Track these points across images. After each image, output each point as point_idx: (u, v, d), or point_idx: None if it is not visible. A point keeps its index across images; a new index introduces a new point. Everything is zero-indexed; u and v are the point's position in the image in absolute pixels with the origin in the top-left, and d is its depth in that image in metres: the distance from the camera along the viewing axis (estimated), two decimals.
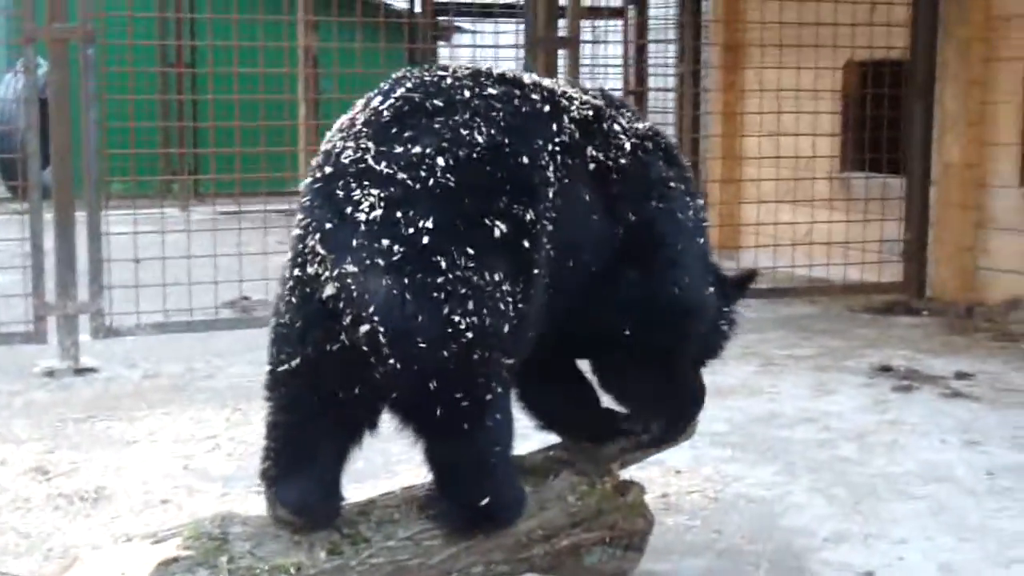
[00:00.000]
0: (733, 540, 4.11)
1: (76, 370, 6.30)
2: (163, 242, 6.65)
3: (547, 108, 3.25)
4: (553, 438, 3.82)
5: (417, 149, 2.98)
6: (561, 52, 7.89)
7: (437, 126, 3.02)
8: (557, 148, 3.19)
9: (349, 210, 2.92)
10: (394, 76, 3.23)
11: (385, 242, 2.89)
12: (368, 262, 2.87)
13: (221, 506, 4.26)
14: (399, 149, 2.98)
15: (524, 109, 3.19)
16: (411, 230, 2.90)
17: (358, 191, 2.93)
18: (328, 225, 2.92)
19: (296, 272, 3.00)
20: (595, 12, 12.43)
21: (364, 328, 2.88)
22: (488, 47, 14.10)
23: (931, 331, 7.53)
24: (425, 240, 2.90)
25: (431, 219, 2.91)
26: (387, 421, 5.54)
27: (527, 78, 3.31)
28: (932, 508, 4.50)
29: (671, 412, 3.81)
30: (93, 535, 4.12)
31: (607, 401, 3.75)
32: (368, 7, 8.57)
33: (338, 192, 2.95)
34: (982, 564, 3.99)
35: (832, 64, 8.57)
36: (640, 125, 3.53)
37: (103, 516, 4.31)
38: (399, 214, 2.91)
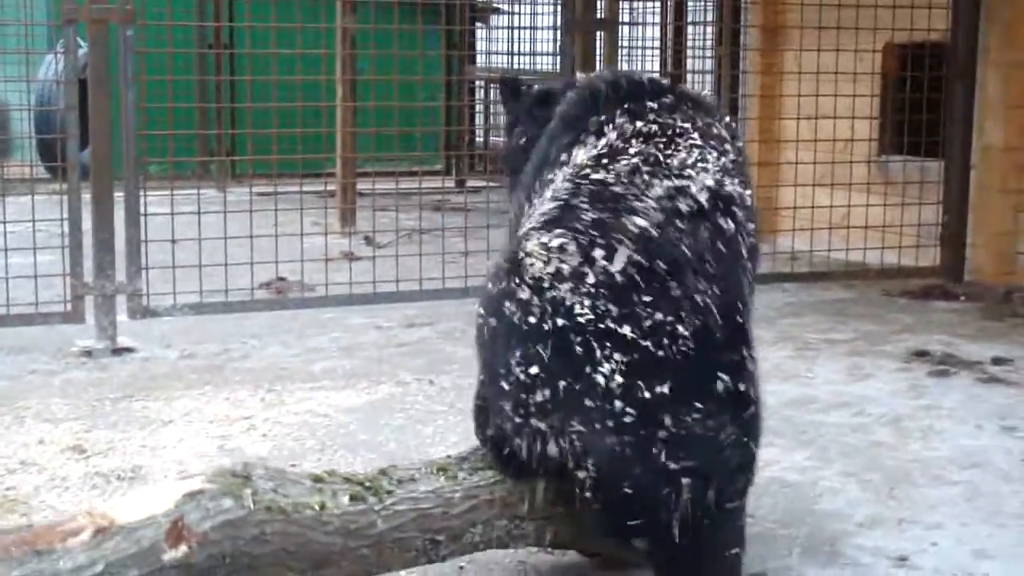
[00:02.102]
0: (766, 524, 4.10)
1: (113, 350, 6.35)
2: (200, 223, 6.68)
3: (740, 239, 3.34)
4: None
5: (659, 316, 3.08)
6: (599, 34, 7.87)
7: (674, 293, 3.12)
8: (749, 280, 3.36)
9: (588, 370, 3.06)
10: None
11: (619, 405, 3.04)
12: (598, 425, 3.05)
13: None
14: (641, 314, 3.08)
15: (734, 248, 3.28)
16: (647, 395, 3.04)
17: (599, 352, 3.05)
18: (563, 383, 3.08)
19: (510, 408, 3.17)
20: None
21: (581, 475, 3.10)
22: (526, 28, 14.13)
23: (968, 316, 7.48)
24: (658, 403, 3.05)
25: (667, 385, 3.05)
26: (423, 402, 5.57)
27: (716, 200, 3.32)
28: (967, 494, 4.48)
29: None
30: None
31: None
32: None
33: (577, 349, 3.07)
34: (1017, 550, 3.97)
35: (872, 46, 8.50)
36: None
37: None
38: (639, 381, 3.04)
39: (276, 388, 5.74)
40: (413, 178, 9.09)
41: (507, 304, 3.20)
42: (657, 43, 12.48)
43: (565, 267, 3.16)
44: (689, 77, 11.20)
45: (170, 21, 7.91)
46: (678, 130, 3.47)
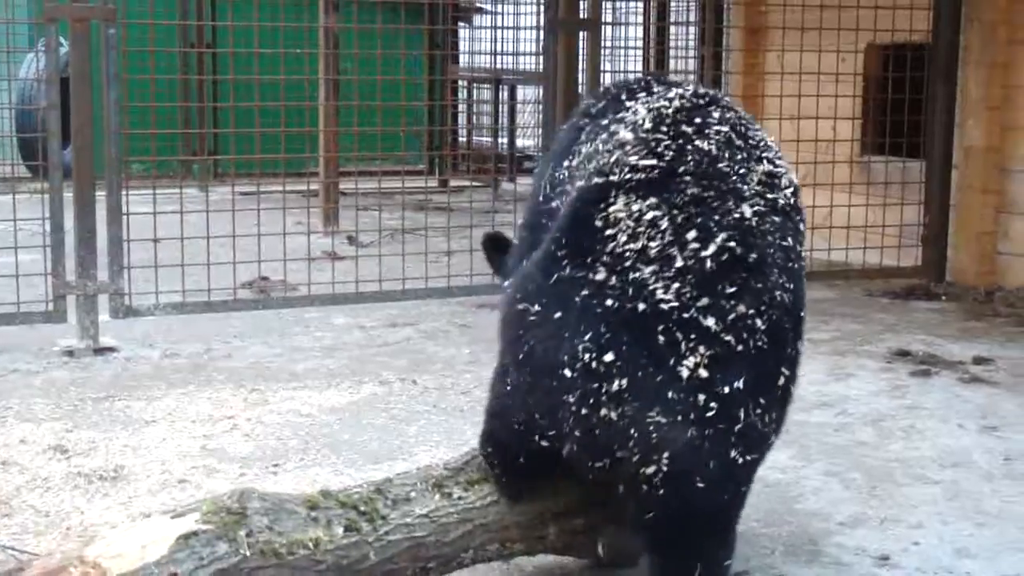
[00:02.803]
0: (748, 523, 4.09)
1: (95, 350, 6.33)
2: (182, 222, 6.66)
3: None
4: None
5: (742, 308, 3.02)
6: (582, 34, 7.87)
7: (756, 286, 3.05)
8: None
9: (672, 362, 2.98)
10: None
11: (701, 398, 2.98)
12: (680, 417, 2.97)
13: (239, 486, 4.28)
14: (725, 306, 3.01)
15: (801, 242, 3.26)
16: (726, 389, 3.00)
17: (684, 344, 2.98)
18: (640, 373, 2.98)
19: (574, 399, 3.03)
20: None
21: (650, 469, 2.99)
22: (509, 28, 14.14)
23: (950, 316, 7.51)
24: (734, 397, 3.01)
25: (743, 379, 3.02)
26: (406, 402, 5.56)
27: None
28: (949, 493, 4.50)
29: None
30: (112, 514, 4.15)
31: None
32: None
33: (659, 338, 2.99)
34: (999, 549, 3.99)
35: (854, 47, 8.53)
36: None
37: (122, 495, 4.34)
38: (719, 374, 2.99)
39: (259, 388, 5.73)
40: (396, 178, 9.09)
41: (570, 287, 3.06)
42: (640, 43, 12.47)
43: (653, 246, 3.03)
44: (671, 77, 11.22)
45: (152, 20, 7.87)
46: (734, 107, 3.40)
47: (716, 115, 3.25)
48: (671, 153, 3.13)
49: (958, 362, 6.29)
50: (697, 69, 10.72)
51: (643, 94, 3.51)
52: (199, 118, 11.62)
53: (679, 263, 3.01)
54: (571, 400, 3.05)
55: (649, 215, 3.05)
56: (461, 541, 3.38)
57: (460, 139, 14.43)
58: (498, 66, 14.37)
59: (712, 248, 3.02)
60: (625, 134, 3.22)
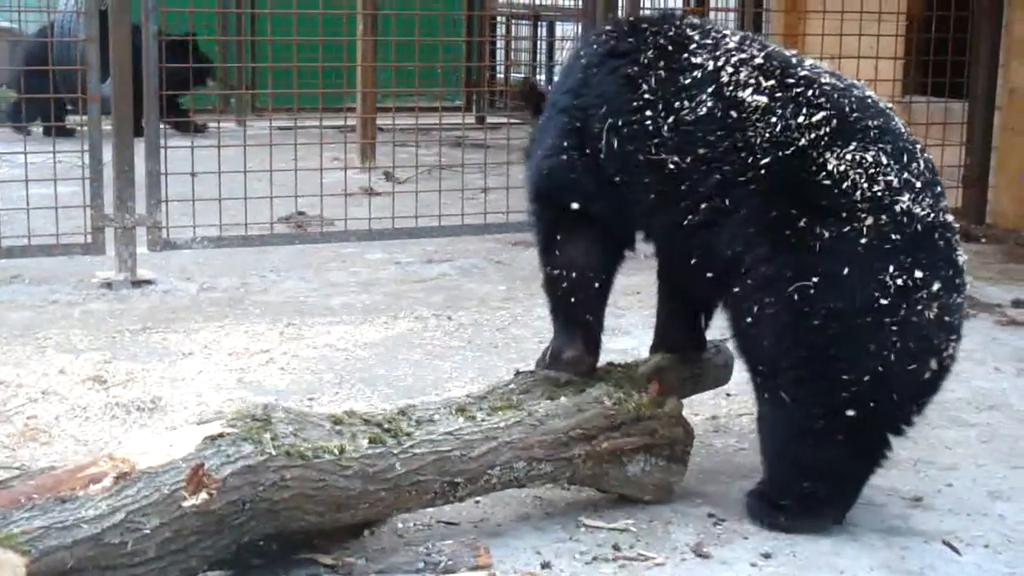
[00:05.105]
0: None
1: (133, 282, 6.37)
2: (219, 157, 6.67)
3: None
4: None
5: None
6: None
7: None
8: None
9: (955, 255, 3.58)
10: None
11: (966, 279, 3.66)
12: (960, 299, 3.58)
13: None
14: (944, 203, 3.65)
15: None
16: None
17: (952, 237, 3.61)
18: (943, 272, 3.50)
19: (891, 289, 3.41)
20: None
21: (952, 348, 3.56)
22: None
23: (989, 258, 7.45)
24: None
25: None
26: (441, 338, 5.58)
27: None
28: (984, 436, 4.49)
29: None
30: None
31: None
32: None
33: (940, 243, 3.54)
34: None
35: None
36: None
37: (158, 426, 4.38)
38: None
39: (295, 322, 5.75)
40: (433, 114, 9.05)
41: (852, 238, 3.41)
42: None
43: (892, 178, 3.47)
44: (712, 15, 11.10)
45: None
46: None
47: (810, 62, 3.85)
48: (819, 98, 3.56)
49: (996, 305, 6.25)
50: (738, 6, 10.60)
51: (692, 44, 3.74)
52: (237, 52, 11.61)
53: (918, 184, 3.51)
54: (888, 321, 3.42)
55: (870, 156, 3.48)
56: (486, 458, 3.42)
57: (498, 76, 14.35)
58: (537, 2, 14.26)
59: (923, 162, 3.58)
60: (757, 98, 3.56)
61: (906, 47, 8.82)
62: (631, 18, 4.11)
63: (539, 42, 14.18)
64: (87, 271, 6.49)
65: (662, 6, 12.34)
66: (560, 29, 14.76)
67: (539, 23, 14.02)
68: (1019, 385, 5.05)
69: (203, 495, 2.96)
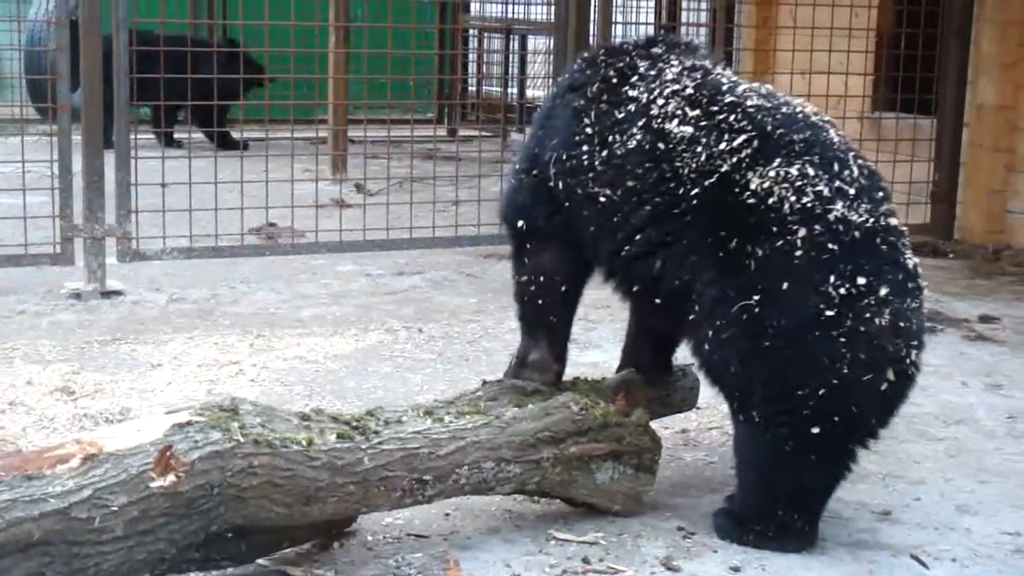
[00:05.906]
0: None
1: (102, 293, 6.34)
2: (190, 167, 6.65)
3: None
4: None
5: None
6: None
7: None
8: None
9: (901, 259, 3.51)
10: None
11: (922, 284, 3.57)
12: (915, 303, 3.50)
13: None
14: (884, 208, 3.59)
15: None
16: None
17: (899, 242, 3.55)
18: (891, 276, 3.45)
19: (834, 299, 3.39)
20: None
21: (913, 355, 3.48)
22: None
23: (957, 273, 7.50)
24: None
25: None
26: (411, 350, 5.57)
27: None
28: (951, 450, 4.51)
29: None
30: None
31: None
32: None
33: (882, 248, 3.48)
34: (999, 506, 4.00)
35: (867, 2, 8.46)
36: None
37: None
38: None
39: (265, 333, 5.74)
40: (405, 126, 9.05)
41: (786, 252, 3.40)
42: None
43: (822, 188, 3.46)
44: (683, 29, 11.14)
45: None
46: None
47: (714, 73, 3.82)
48: (741, 121, 3.56)
49: (964, 320, 6.29)
50: (709, 21, 10.64)
51: (634, 76, 3.80)
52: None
53: (851, 191, 3.49)
54: (846, 325, 3.39)
55: (795, 170, 3.47)
56: (454, 456, 3.43)
57: (470, 88, 14.36)
58: (509, 16, 14.28)
59: (856, 169, 3.54)
60: (683, 128, 3.58)
61: (876, 63, 8.88)
62: (602, 48, 4.13)
63: (511, 55, 14.19)
64: (56, 281, 6.45)
65: (634, 19, 12.42)
66: (532, 43, 14.78)
67: (511, 36, 14.04)
68: (986, 400, 5.09)
69: (171, 477, 2.97)
